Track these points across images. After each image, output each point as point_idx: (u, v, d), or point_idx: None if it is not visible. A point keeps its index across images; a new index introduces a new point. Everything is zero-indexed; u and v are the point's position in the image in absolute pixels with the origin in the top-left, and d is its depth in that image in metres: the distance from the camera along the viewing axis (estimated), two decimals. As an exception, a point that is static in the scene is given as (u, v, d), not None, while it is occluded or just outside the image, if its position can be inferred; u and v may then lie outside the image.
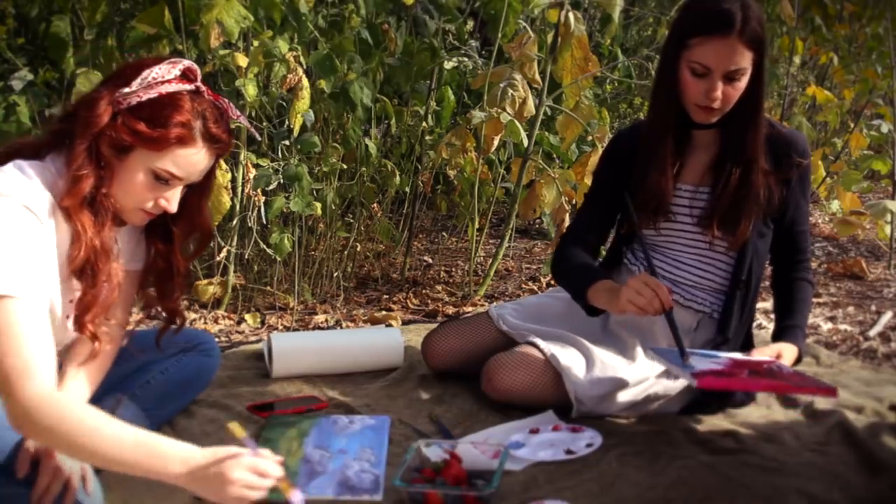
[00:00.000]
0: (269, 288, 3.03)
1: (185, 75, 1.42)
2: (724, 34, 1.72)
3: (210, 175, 1.52)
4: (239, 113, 1.51)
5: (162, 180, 1.40)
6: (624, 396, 1.89)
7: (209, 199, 1.61)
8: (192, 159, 1.41)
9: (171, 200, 1.44)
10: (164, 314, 1.63)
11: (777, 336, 1.89)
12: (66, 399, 1.28)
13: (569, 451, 1.72)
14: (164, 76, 1.39)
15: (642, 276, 1.75)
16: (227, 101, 1.49)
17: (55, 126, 1.45)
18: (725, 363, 1.72)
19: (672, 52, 1.81)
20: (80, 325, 1.42)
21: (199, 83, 1.43)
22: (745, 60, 1.74)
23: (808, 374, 1.91)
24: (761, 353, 1.80)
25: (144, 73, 1.38)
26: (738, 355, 1.81)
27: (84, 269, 1.39)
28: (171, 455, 1.24)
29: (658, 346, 1.91)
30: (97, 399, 1.66)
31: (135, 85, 1.38)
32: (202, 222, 1.58)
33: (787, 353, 1.81)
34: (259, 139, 2.11)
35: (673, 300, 1.96)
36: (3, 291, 1.24)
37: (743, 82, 1.77)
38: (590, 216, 2.07)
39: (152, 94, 1.38)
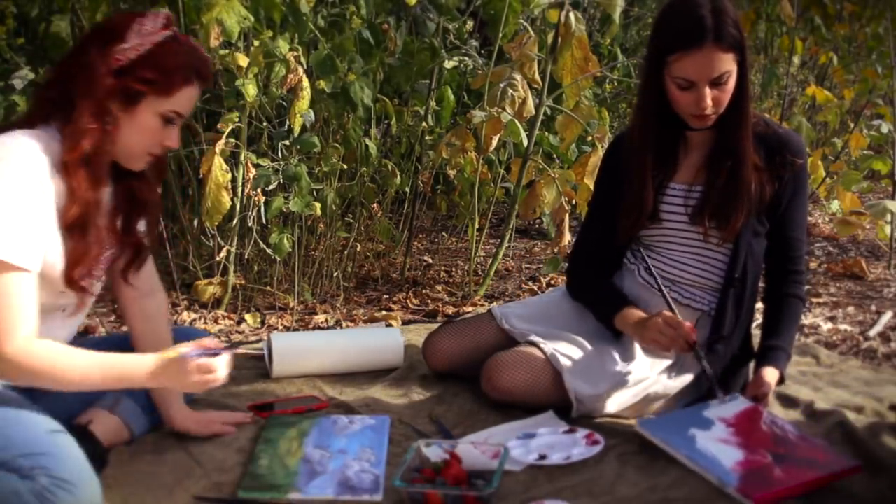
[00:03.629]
0: (269, 288, 3.03)
1: (166, 24, 1.53)
2: (699, 45, 1.71)
3: None
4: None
5: (169, 121, 1.53)
6: (624, 396, 1.89)
7: None
8: (192, 96, 1.55)
9: (175, 139, 1.57)
10: (129, 252, 1.68)
11: (760, 358, 1.90)
12: (40, 348, 1.40)
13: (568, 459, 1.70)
14: (155, 28, 1.51)
15: (663, 316, 1.82)
16: (192, 38, 1.63)
17: (42, 96, 1.52)
18: (730, 437, 1.68)
19: (654, 70, 1.81)
20: (69, 279, 1.48)
21: (173, 28, 1.54)
22: (727, 64, 1.74)
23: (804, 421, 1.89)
24: (744, 399, 1.80)
25: (135, 28, 1.49)
26: (724, 411, 1.76)
27: (75, 224, 1.46)
28: (133, 368, 1.44)
29: (649, 420, 1.83)
30: (97, 397, 1.67)
31: (131, 40, 1.48)
32: None
33: (769, 377, 1.84)
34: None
35: (671, 298, 1.96)
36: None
37: (731, 83, 1.77)
38: (595, 228, 2.09)
39: (147, 45, 1.49)
